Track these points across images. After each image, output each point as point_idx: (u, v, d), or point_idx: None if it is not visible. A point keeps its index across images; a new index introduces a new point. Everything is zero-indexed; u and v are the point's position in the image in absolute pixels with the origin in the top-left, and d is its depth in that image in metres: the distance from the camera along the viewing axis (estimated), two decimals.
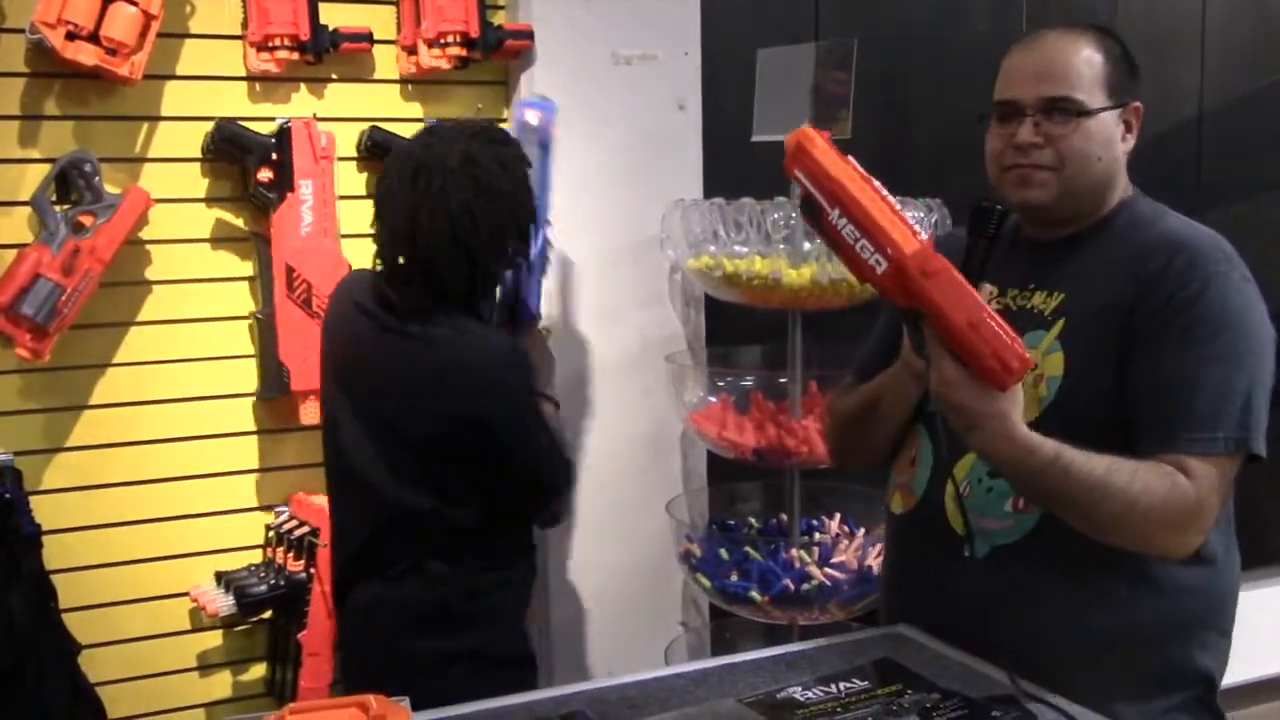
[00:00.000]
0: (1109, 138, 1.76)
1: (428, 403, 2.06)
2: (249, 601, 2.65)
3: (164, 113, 2.64)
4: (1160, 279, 1.68)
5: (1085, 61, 1.75)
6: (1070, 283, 1.77)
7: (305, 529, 2.69)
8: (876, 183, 1.53)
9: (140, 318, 2.65)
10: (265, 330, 2.69)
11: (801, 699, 1.57)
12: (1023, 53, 1.81)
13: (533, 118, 2.49)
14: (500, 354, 2.11)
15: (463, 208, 2.05)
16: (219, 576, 2.71)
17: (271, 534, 2.76)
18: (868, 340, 2.08)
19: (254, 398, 2.75)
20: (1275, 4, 3.91)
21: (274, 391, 2.70)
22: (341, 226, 2.73)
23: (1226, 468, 1.64)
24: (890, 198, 1.52)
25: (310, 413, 2.70)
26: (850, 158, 1.57)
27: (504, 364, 2.10)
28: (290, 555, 2.68)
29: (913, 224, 1.51)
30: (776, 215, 2.70)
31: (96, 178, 2.51)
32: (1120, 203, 1.81)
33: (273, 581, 2.67)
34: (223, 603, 2.64)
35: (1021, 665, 1.61)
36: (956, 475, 1.78)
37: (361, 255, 2.76)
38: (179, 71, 2.64)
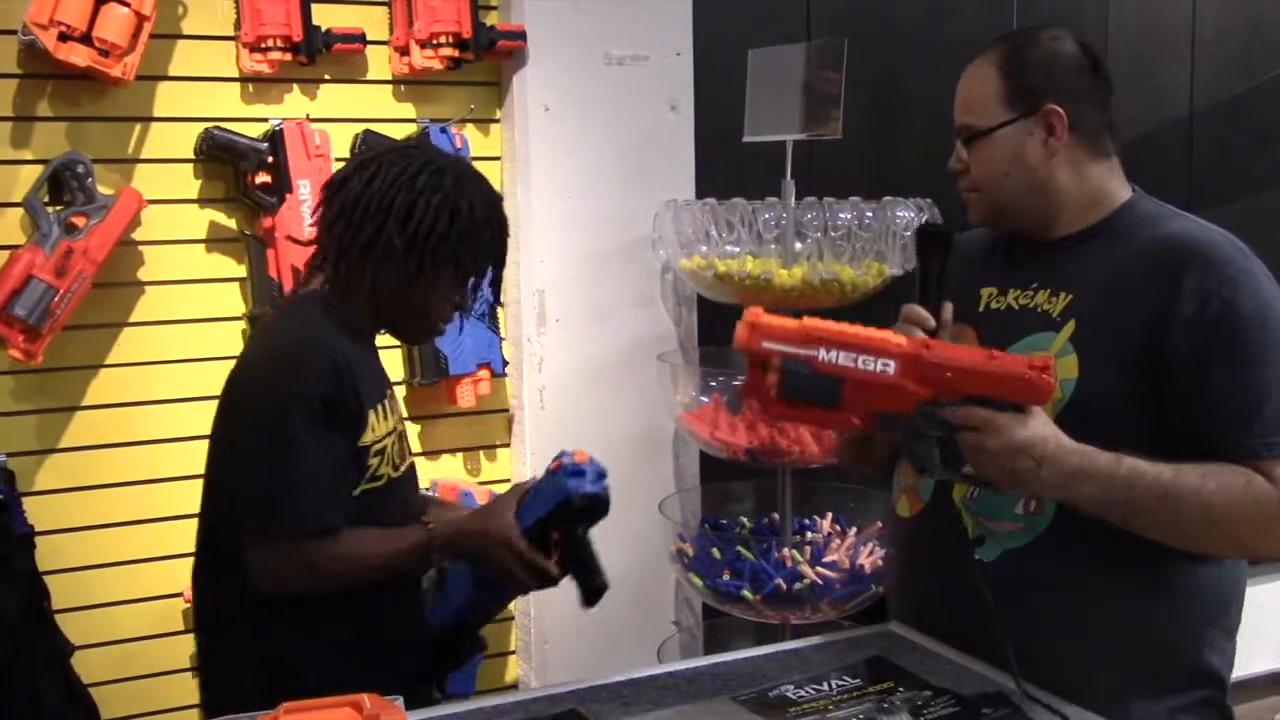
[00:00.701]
0: (1014, 151, 1.75)
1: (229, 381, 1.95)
2: None
3: (156, 114, 2.64)
4: (1185, 287, 1.63)
5: (981, 81, 1.78)
6: (1079, 283, 1.73)
7: None
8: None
9: (133, 319, 2.65)
10: None
11: (793, 697, 1.58)
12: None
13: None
14: (280, 350, 1.85)
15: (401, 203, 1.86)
16: None
17: None
18: None
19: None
20: (1264, 5, 3.93)
21: None
22: None
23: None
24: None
25: None
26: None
27: (274, 360, 1.85)
28: None
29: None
30: (768, 215, 2.71)
31: (89, 179, 2.51)
32: (1123, 204, 1.78)
33: None
34: None
35: (1031, 666, 1.60)
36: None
37: None
38: (171, 72, 2.65)
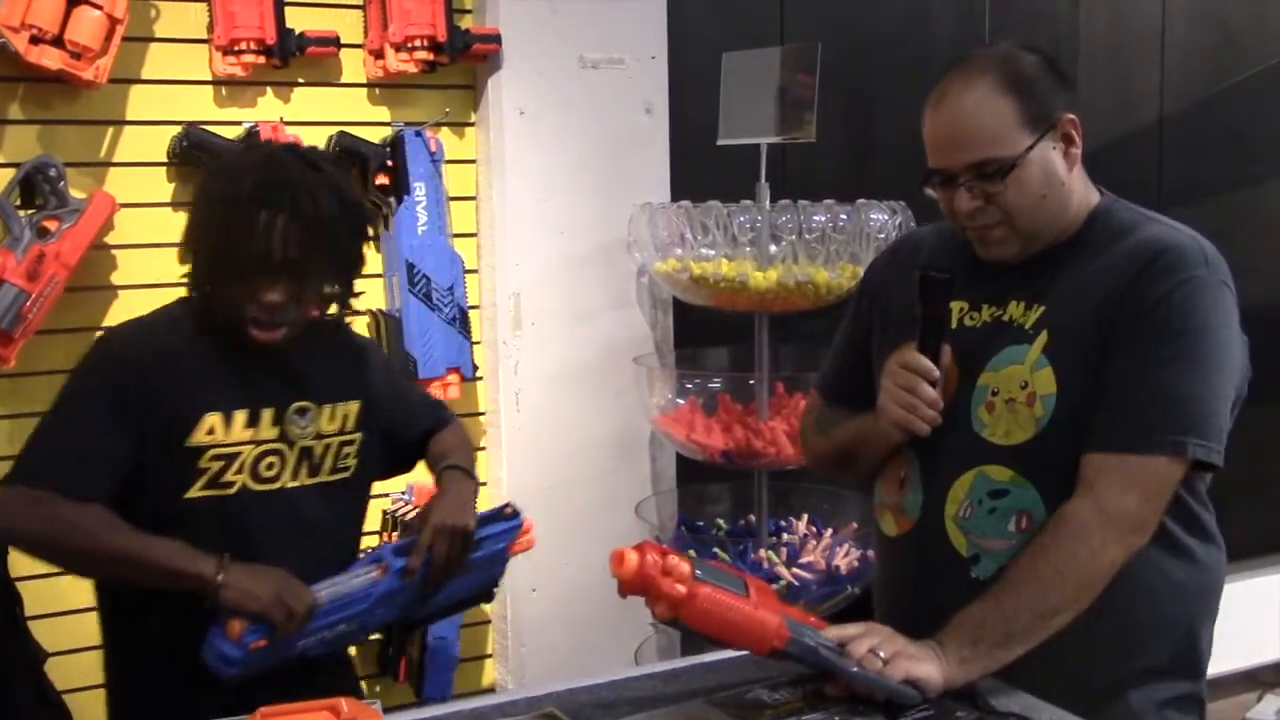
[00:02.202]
0: (1047, 171, 1.68)
1: None
2: None
3: (129, 117, 2.63)
4: (1136, 283, 1.64)
5: (992, 113, 1.66)
6: (1051, 296, 1.71)
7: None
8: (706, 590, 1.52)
9: (106, 323, 2.64)
10: None
11: (768, 699, 1.58)
12: (934, 118, 1.72)
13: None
14: (106, 331, 1.98)
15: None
16: None
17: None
18: (829, 356, 2.04)
19: None
20: (1233, 10, 3.97)
21: None
22: None
23: (1157, 471, 1.60)
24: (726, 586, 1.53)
25: None
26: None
27: (93, 344, 1.95)
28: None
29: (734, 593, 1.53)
30: (743, 218, 2.72)
31: (61, 182, 2.50)
32: (1092, 212, 1.75)
33: None
34: None
35: (1025, 667, 1.60)
36: (955, 495, 1.75)
37: None
38: (144, 75, 2.64)
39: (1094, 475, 1.61)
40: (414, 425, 2.13)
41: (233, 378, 1.87)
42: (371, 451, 2.02)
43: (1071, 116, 1.70)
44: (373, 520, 2.87)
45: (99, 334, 1.94)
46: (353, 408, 1.98)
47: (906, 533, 1.83)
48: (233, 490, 1.86)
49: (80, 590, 2.62)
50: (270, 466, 1.89)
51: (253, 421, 1.87)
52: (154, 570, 1.78)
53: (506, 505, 2.03)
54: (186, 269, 1.90)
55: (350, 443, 1.97)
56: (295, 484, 1.91)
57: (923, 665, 1.54)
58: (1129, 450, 1.60)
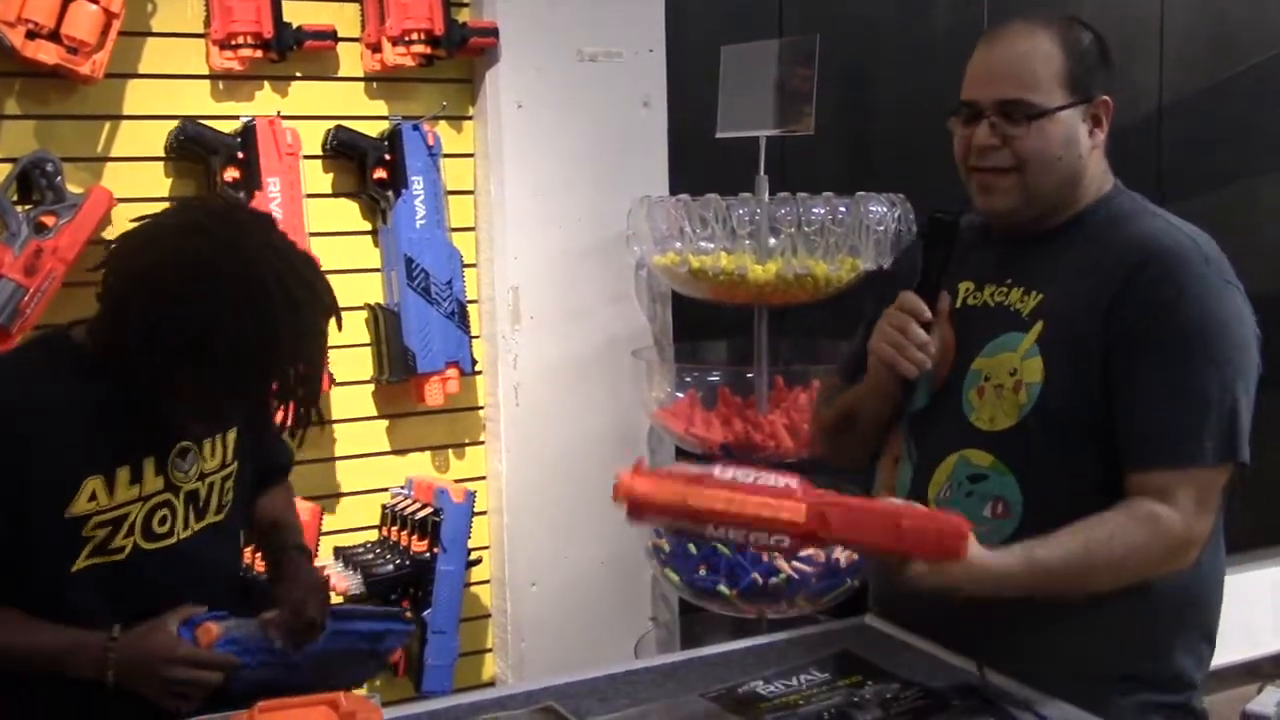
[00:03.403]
0: (1070, 136, 1.71)
1: None
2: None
3: (126, 111, 2.63)
4: (1136, 286, 1.65)
5: (1042, 59, 1.70)
6: (1049, 282, 1.73)
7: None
8: (720, 472, 1.43)
9: None
10: None
11: (764, 693, 1.58)
12: (984, 49, 1.76)
13: None
14: None
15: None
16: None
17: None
18: (853, 340, 2.05)
19: None
20: (1231, 2, 3.96)
21: None
22: (309, 224, 2.73)
23: (1214, 479, 1.64)
24: (740, 476, 1.42)
25: None
26: (678, 466, 1.50)
27: None
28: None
29: (778, 484, 1.42)
30: (741, 211, 2.71)
31: (58, 177, 2.49)
32: (1099, 198, 1.77)
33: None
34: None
35: (1004, 660, 1.62)
36: (937, 478, 1.77)
37: (330, 254, 2.77)
38: (141, 70, 2.63)
39: (1170, 487, 1.61)
40: (275, 458, 2.01)
41: (110, 430, 1.68)
42: (244, 484, 1.88)
43: (1107, 99, 1.74)
44: (371, 515, 2.89)
45: None
46: (230, 436, 1.83)
47: None
48: (123, 555, 1.70)
49: None
50: (163, 521, 1.74)
51: (136, 478, 1.70)
52: (58, 663, 1.64)
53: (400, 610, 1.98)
54: (103, 301, 1.71)
55: (229, 476, 1.83)
56: (186, 533, 1.77)
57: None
58: (1191, 463, 1.61)
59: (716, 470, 1.43)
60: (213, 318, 1.58)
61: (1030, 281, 1.75)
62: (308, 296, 1.67)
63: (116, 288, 1.68)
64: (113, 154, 2.62)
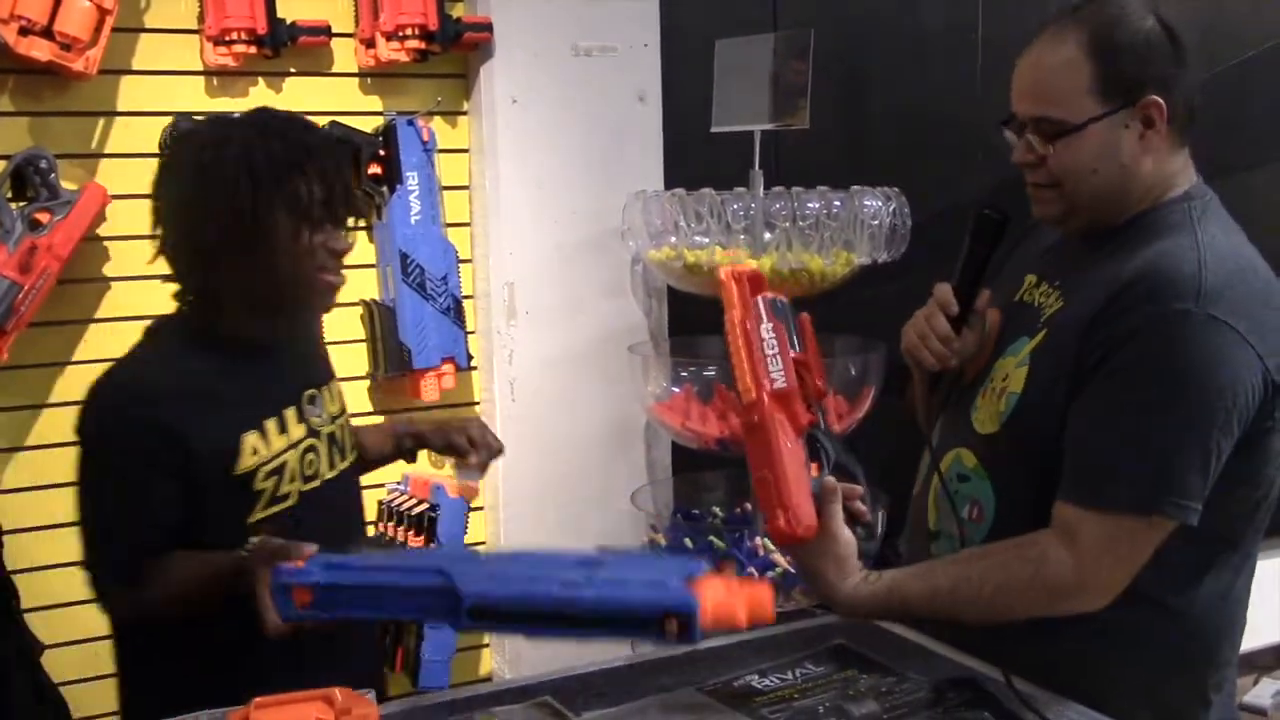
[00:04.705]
0: (1108, 147, 1.60)
1: None
2: None
3: (120, 108, 2.62)
4: (1110, 311, 1.56)
5: (1066, 70, 1.59)
6: (1074, 292, 1.66)
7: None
8: (764, 327, 1.58)
9: (99, 315, 2.64)
10: None
11: (759, 686, 1.59)
12: (1020, 61, 1.67)
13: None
14: (100, 386, 1.79)
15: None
16: None
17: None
18: None
19: None
20: None
21: None
22: None
23: (1132, 529, 1.52)
24: (765, 341, 1.56)
25: None
26: (764, 298, 1.61)
27: (91, 399, 1.79)
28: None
29: (770, 371, 1.54)
30: (736, 205, 2.71)
31: (52, 174, 2.49)
32: (1159, 203, 1.65)
33: None
34: None
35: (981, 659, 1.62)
36: (941, 468, 1.74)
37: None
38: (135, 66, 2.63)
39: (1074, 527, 1.53)
40: None
41: (247, 389, 1.80)
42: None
43: (1158, 99, 1.59)
44: (368, 511, 2.89)
45: (91, 393, 1.79)
46: (336, 385, 1.99)
47: (915, 495, 1.88)
48: (290, 500, 1.83)
49: (76, 583, 2.63)
50: (310, 465, 1.87)
51: (282, 428, 1.83)
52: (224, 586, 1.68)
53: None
54: (180, 271, 1.81)
55: (347, 420, 1.98)
56: (331, 474, 1.91)
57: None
58: (1109, 507, 1.52)
59: (764, 327, 1.58)
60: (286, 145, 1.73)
61: (1067, 286, 1.68)
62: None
63: (185, 195, 1.77)
64: (107, 150, 2.62)
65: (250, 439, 1.78)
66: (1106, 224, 1.67)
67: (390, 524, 2.83)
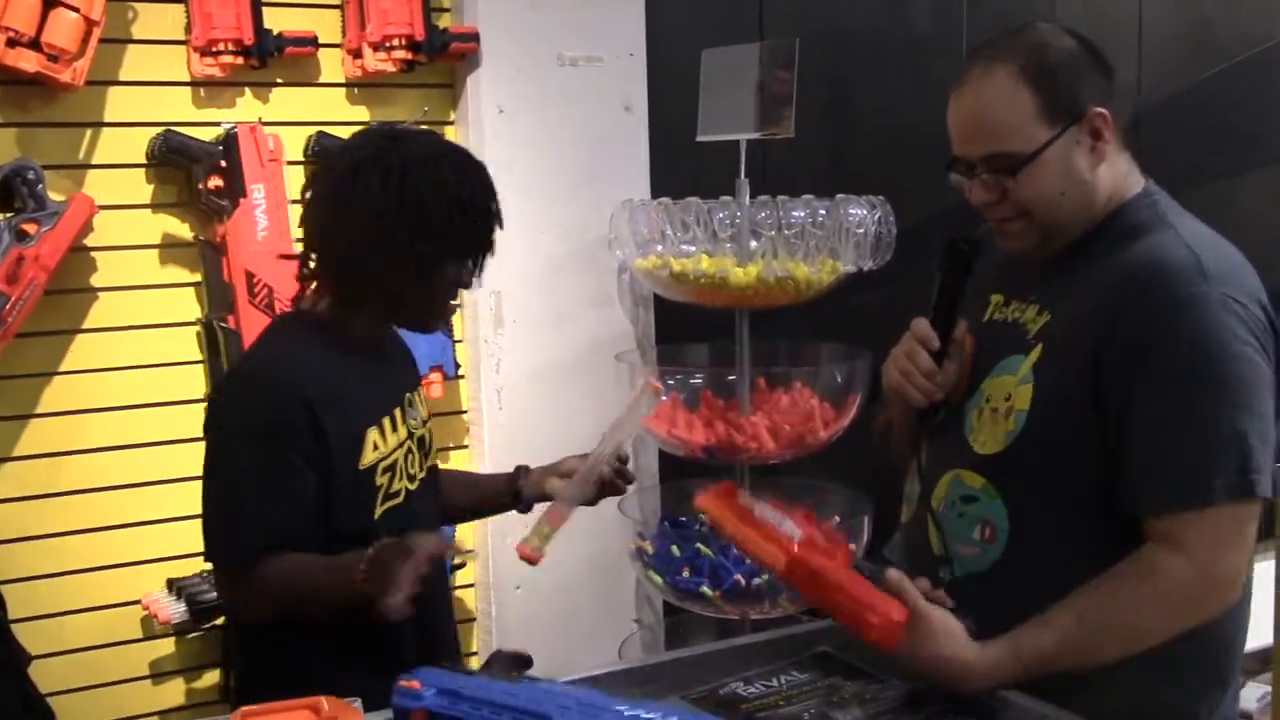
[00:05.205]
0: (1068, 167, 1.61)
1: None
2: (201, 608, 2.64)
3: (107, 118, 2.63)
4: (1128, 316, 1.55)
5: (1009, 104, 1.60)
6: (1058, 303, 1.66)
7: None
8: (758, 509, 1.64)
9: (86, 325, 2.64)
10: (229, 337, 2.66)
11: (744, 694, 1.59)
12: (953, 103, 1.67)
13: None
14: (240, 378, 1.88)
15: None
16: (170, 584, 2.70)
17: None
18: None
19: (204, 403, 2.74)
20: (1208, 2, 3.99)
21: None
22: (295, 231, 2.73)
23: (1234, 515, 1.52)
24: (771, 517, 1.63)
25: None
26: (748, 498, 1.71)
27: (231, 388, 1.90)
28: None
29: (786, 534, 1.59)
30: (722, 214, 2.73)
31: (40, 185, 2.49)
32: (1120, 206, 1.67)
33: None
34: (174, 610, 2.64)
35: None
36: (937, 493, 1.74)
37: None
38: (122, 77, 2.63)
39: (1179, 533, 1.52)
40: None
41: (369, 388, 1.87)
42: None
43: (1101, 110, 1.61)
44: None
45: (227, 377, 1.90)
46: (420, 391, 2.05)
47: (909, 520, 1.86)
48: (400, 498, 1.89)
49: (64, 593, 2.64)
50: (411, 464, 1.93)
51: (394, 425, 1.89)
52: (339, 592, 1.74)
53: None
54: (328, 272, 1.84)
55: (430, 425, 2.05)
56: (422, 474, 1.97)
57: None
58: (1201, 503, 1.52)
59: (757, 508, 1.64)
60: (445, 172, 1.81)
61: (1045, 299, 1.68)
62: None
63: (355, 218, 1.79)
64: (94, 161, 2.62)
65: (373, 435, 1.84)
66: (1079, 237, 1.68)
67: None
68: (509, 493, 2.16)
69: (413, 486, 1.92)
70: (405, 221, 1.78)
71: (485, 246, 1.87)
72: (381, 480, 1.85)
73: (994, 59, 1.63)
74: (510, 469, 2.19)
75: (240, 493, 1.78)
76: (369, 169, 1.79)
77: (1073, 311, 1.64)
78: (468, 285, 1.91)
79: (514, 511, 2.17)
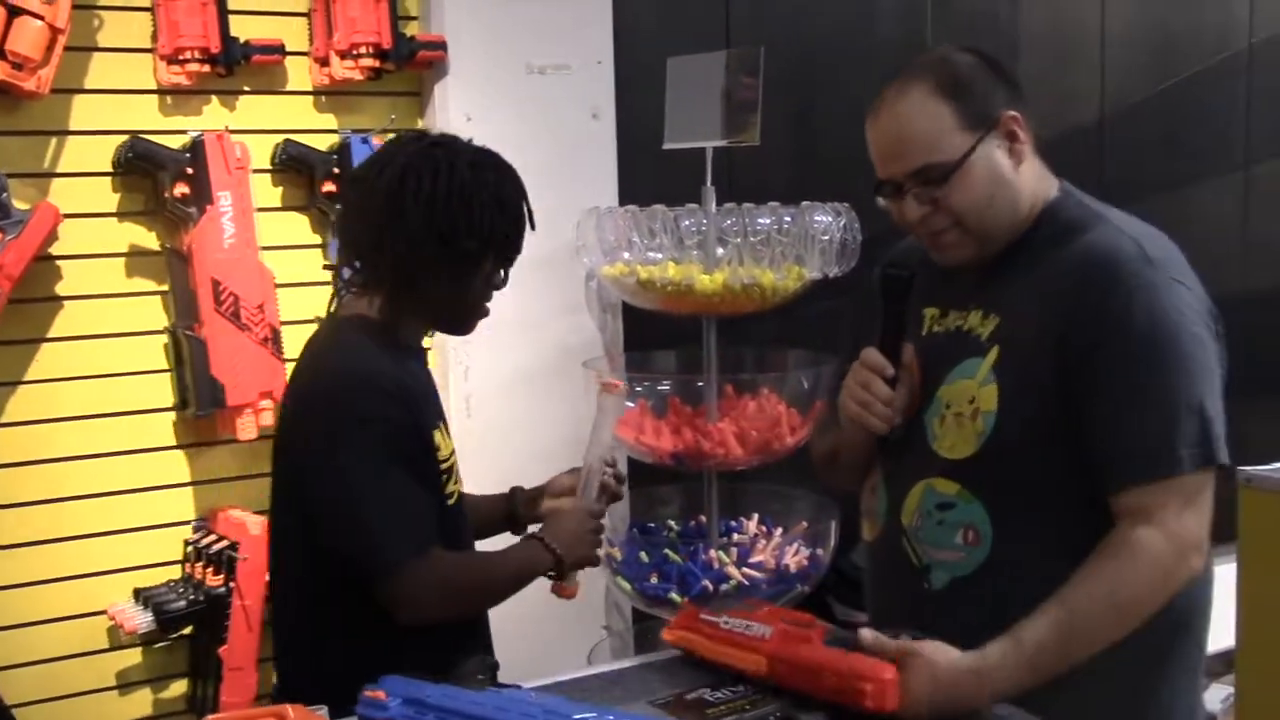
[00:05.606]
0: (992, 170, 1.69)
1: (280, 422, 1.97)
2: (168, 618, 2.64)
3: (73, 127, 2.62)
4: (1084, 303, 1.63)
5: (928, 116, 1.67)
6: (1005, 305, 1.71)
7: (224, 543, 2.68)
8: (723, 622, 1.69)
9: (51, 334, 2.63)
10: (194, 346, 2.66)
11: (710, 699, 1.60)
12: (873, 128, 1.74)
13: None
14: (344, 385, 1.81)
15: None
16: (137, 593, 2.69)
17: (190, 549, 2.75)
18: (836, 369, 2.05)
19: (171, 412, 2.74)
20: (1170, 10, 4.03)
21: (209, 408, 2.67)
22: (260, 239, 2.73)
23: (1197, 483, 1.59)
24: (737, 627, 1.67)
25: (247, 427, 2.70)
26: (702, 613, 1.75)
27: (330, 390, 1.81)
28: (210, 570, 2.67)
29: (756, 634, 1.64)
30: (688, 222, 2.74)
31: (4, 194, 2.48)
32: (1045, 208, 1.74)
33: (192, 597, 2.66)
34: (141, 620, 2.63)
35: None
36: (908, 505, 1.77)
37: (281, 267, 2.77)
38: (88, 85, 2.63)
39: (1148, 504, 1.58)
40: None
41: (425, 389, 1.91)
42: None
43: (1013, 113, 1.70)
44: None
45: (323, 388, 1.82)
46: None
47: (876, 538, 1.87)
48: (455, 500, 1.92)
49: (29, 604, 2.63)
50: (458, 470, 1.96)
51: (445, 430, 1.94)
52: (514, 578, 1.92)
53: None
54: (379, 277, 1.85)
55: None
56: (459, 487, 1.98)
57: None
58: (1169, 473, 1.58)
59: (722, 622, 1.69)
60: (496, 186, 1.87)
61: (989, 304, 1.73)
62: None
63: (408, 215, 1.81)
64: (59, 170, 2.61)
65: (437, 435, 1.88)
66: (1006, 243, 1.74)
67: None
68: (504, 516, 2.16)
69: (461, 490, 1.97)
70: (454, 219, 1.81)
71: (519, 248, 1.93)
72: (443, 479, 1.89)
73: (906, 80, 1.71)
74: (489, 485, 2.18)
75: (401, 486, 1.78)
76: (417, 171, 1.82)
77: (1024, 310, 1.69)
78: (500, 286, 1.94)
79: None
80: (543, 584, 2.13)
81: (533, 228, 1.95)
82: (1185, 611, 1.71)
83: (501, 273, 1.93)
